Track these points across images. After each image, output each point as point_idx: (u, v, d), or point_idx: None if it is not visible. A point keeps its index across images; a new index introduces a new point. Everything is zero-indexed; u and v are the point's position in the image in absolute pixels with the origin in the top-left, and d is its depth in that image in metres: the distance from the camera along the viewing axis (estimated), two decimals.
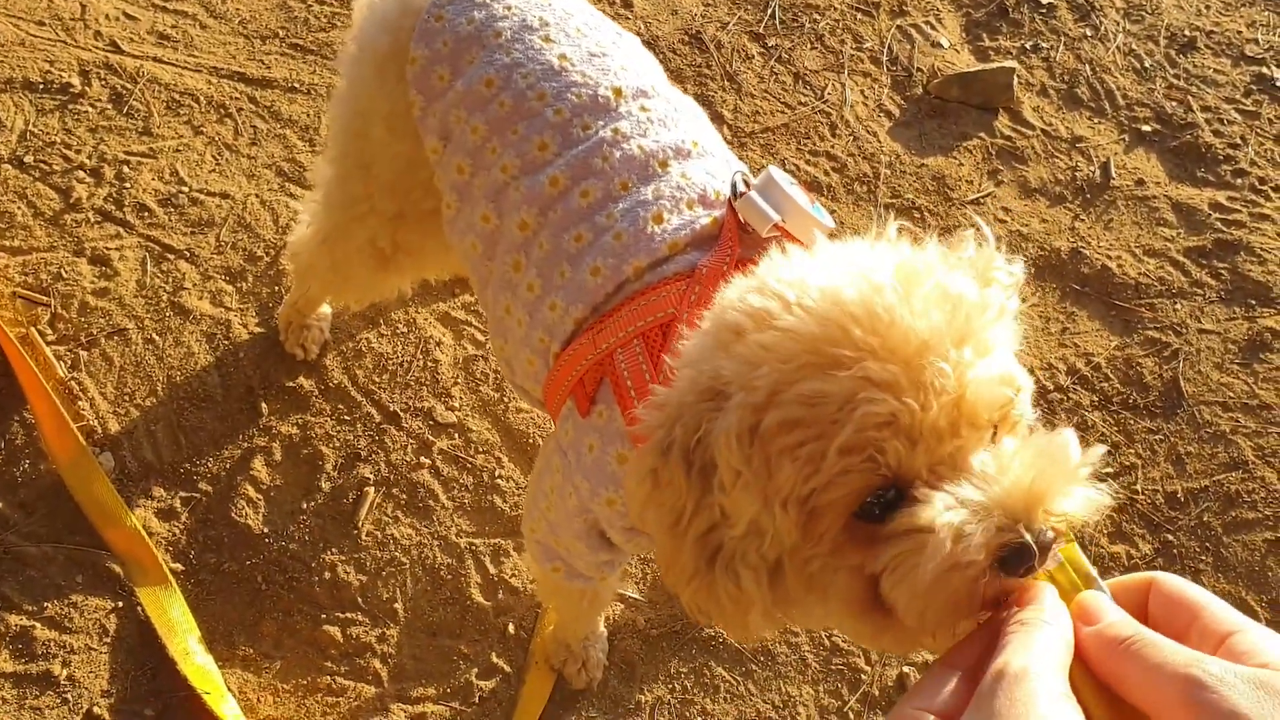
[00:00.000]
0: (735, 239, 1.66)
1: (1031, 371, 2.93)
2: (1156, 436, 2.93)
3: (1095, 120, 3.50)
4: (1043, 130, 3.45)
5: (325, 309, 2.81)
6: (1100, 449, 1.20)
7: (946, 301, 1.20)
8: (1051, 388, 2.96)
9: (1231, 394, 3.00)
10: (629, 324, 1.68)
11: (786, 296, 1.23)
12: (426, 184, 2.04)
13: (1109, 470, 2.85)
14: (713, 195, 1.76)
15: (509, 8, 1.91)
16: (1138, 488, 2.84)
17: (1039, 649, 0.90)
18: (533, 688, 2.49)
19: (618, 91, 1.85)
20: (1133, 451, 2.90)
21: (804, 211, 1.62)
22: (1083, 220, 3.28)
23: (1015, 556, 1.09)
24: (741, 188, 1.67)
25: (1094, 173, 3.38)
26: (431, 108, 1.93)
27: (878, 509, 1.18)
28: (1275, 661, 0.83)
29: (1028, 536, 1.08)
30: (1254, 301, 3.16)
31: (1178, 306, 3.14)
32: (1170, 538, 2.78)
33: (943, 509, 1.13)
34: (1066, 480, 1.15)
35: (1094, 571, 1.07)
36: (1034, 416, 1.33)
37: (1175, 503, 2.83)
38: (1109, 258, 3.20)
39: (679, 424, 1.27)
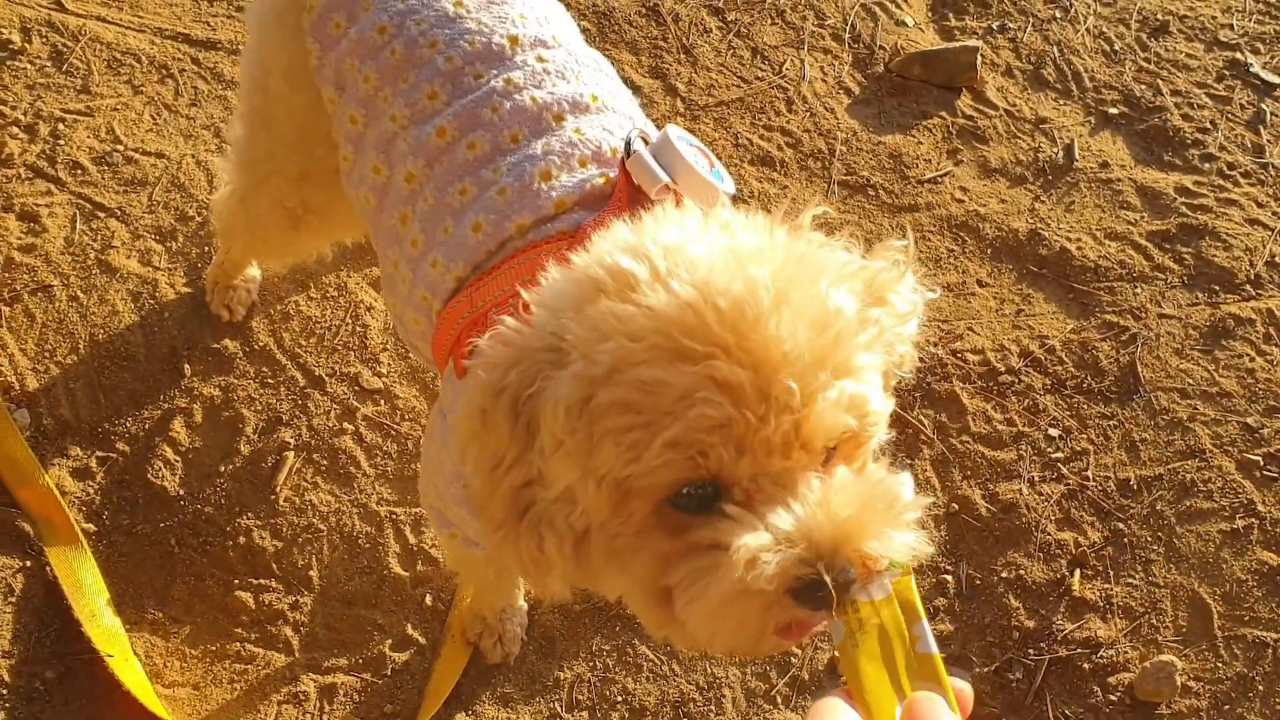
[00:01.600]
0: (625, 199, 1.57)
1: (981, 352, 2.87)
2: (1110, 422, 2.84)
3: (1061, 102, 3.42)
4: (1006, 111, 3.37)
5: (253, 271, 2.74)
6: (926, 499, 1.19)
7: (820, 317, 1.16)
8: (1003, 370, 2.88)
9: (1190, 380, 2.91)
10: (506, 282, 1.59)
11: (657, 265, 1.18)
12: (328, 139, 1.98)
13: (1059, 455, 2.77)
14: (608, 153, 1.68)
15: None
16: (1089, 474, 2.76)
17: None
18: (447, 660, 2.42)
19: (514, 40, 1.77)
20: (1085, 437, 2.81)
21: (696, 174, 1.53)
22: (1043, 202, 3.20)
23: (807, 590, 1.08)
24: (637, 145, 1.57)
25: (1057, 154, 3.30)
26: (327, 57, 1.86)
27: (692, 502, 1.16)
28: None
29: (825, 574, 1.07)
30: (1217, 287, 3.08)
31: (1138, 291, 3.05)
32: (1121, 526, 2.69)
33: (744, 531, 1.11)
34: (885, 522, 1.13)
35: (921, 610, 1.05)
36: (884, 440, 1.30)
37: (1128, 490, 2.75)
38: (1069, 240, 3.12)
39: (516, 370, 1.22)
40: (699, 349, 1.11)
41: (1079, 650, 2.53)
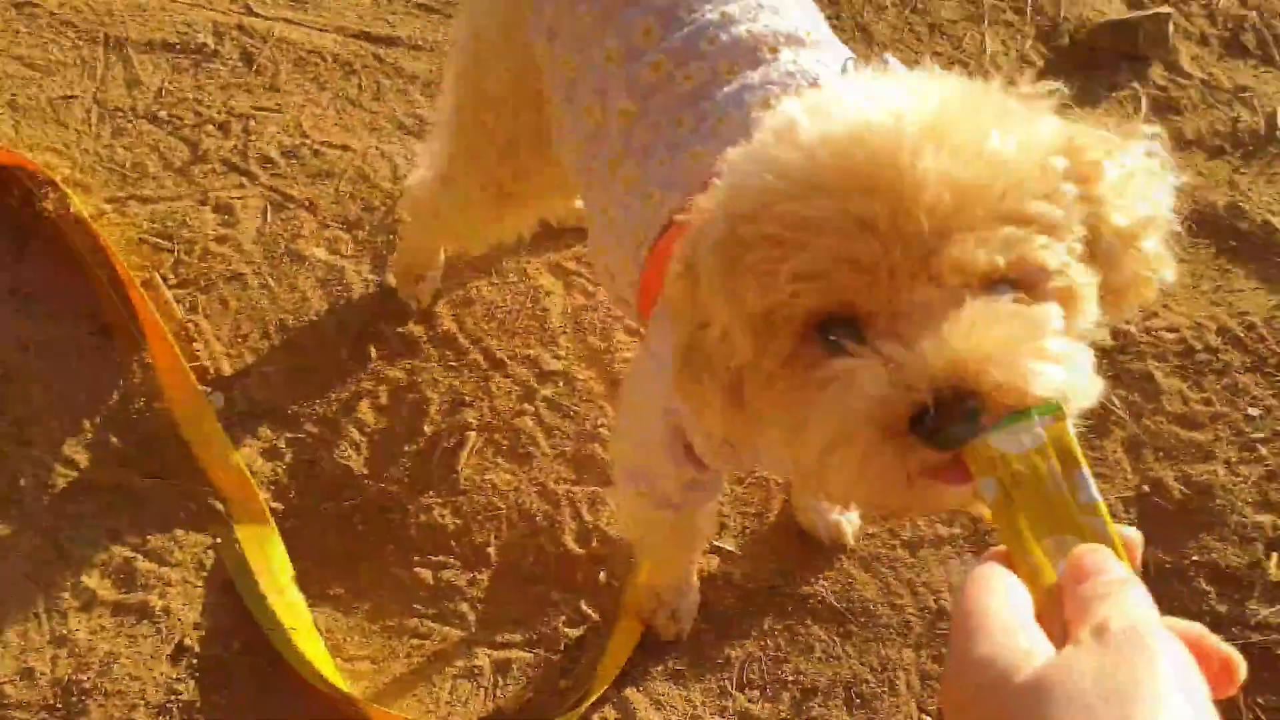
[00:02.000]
0: None
1: (1177, 329, 2.75)
2: None
3: (1261, 69, 3.26)
4: (1201, 80, 3.23)
5: (440, 258, 2.80)
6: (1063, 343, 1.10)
7: (972, 150, 1.10)
8: (1200, 348, 2.76)
9: None
10: None
11: (821, 108, 1.18)
12: (534, 100, 2.01)
13: (1259, 435, 2.64)
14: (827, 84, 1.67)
15: None
16: None
17: (1135, 605, 0.81)
18: (620, 638, 2.42)
19: None
20: None
21: None
22: (1243, 174, 3.06)
23: (920, 418, 1.01)
24: (854, 72, 1.56)
25: (1258, 124, 3.14)
26: (544, 7, 1.89)
27: (834, 343, 1.12)
28: None
29: (929, 398, 1.01)
30: None
31: None
32: None
33: (851, 360, 1.08)
34: (1017, 349, 1.05)
35: (1081, 456, 0.95)
36: (1091, 324, 1.21)
37: None
38: (1271, 213, 2.97)
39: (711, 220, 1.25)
40: (837, 182, 1.10)
41: (1275, 636, 2.41)
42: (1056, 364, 1.06)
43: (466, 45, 2.12)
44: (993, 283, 1.11)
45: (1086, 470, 0.94)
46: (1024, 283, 1.13)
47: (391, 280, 2.82)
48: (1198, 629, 0.84)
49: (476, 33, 2.07)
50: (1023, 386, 1.02)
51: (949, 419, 1.01)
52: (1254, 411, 2.69)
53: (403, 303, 2.81)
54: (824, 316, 1.13)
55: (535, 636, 2.45)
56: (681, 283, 1.30)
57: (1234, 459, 2.61)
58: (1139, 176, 1.28)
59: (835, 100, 1.20)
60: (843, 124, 1.14)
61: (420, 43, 3.22)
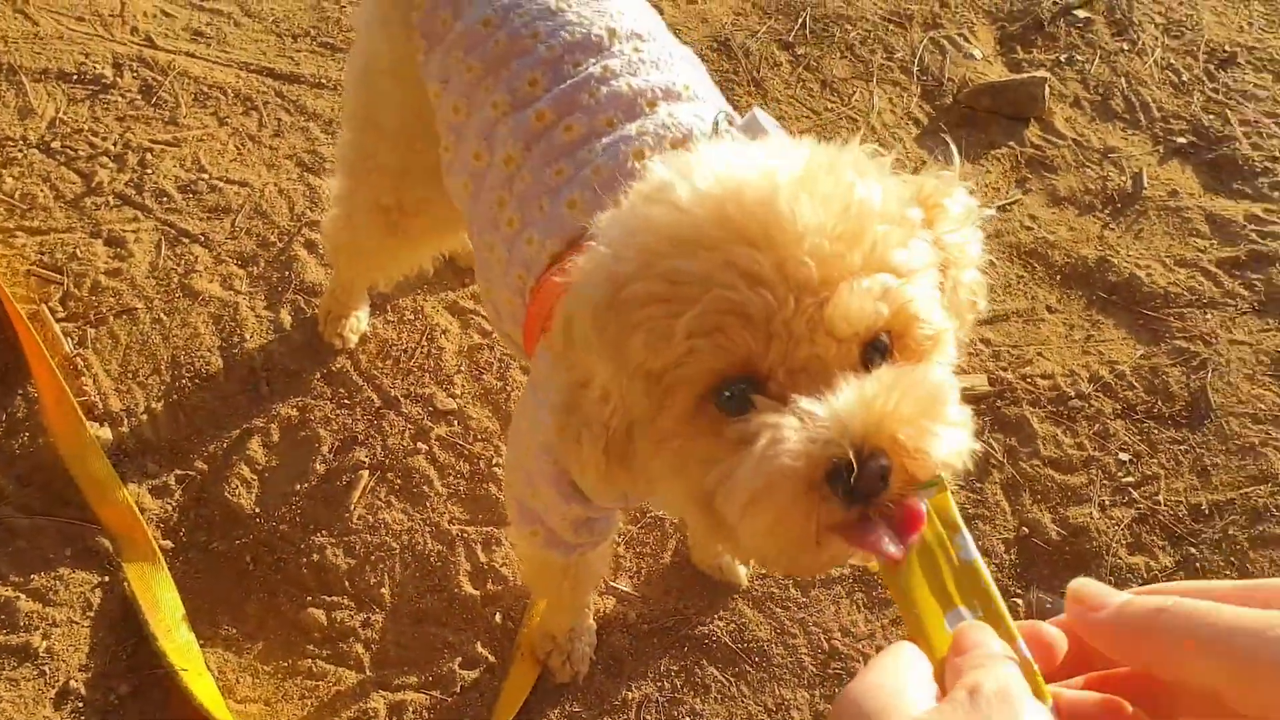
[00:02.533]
0: None
1: (1051, 377, 2.86)
2: (1181, 447, 2.82)
3: (1129, 132, 3.42)
4: (1074, 140, 3.38)
5: (364, 298, 2.83)
6: (981, 380, 1.15)
7: (841, 202, 1.14)
8: (1072, 395, 2.87)
9: (1262, 406, 2.89)
10: None
11: (689, 170, 1.20)
12: (427, 134, 2.04)
13: (1130, 479, 2.76)
14: (699, 137, 1.73)
15: None
16: (1160, 498, 2.74)
17: (1008, 674, 0.80)
18: (516, 679, 2.43)
19: (612, 32, 1.83)
20: (1156, 461, 2.80)
21: None
22: (1112, 229, 3.20)
23: (838, 475, 1.03)
24: (724, 126, 1.62)
25: (1126, 183, 3.30)
26: (434, 51, 1.93)
27: (734, 402, 1.14)
28: None
29: (850, 453, 1.02)
30: None
31: (1208, 317, 3.04)
32: (1193, 550, 2.67)
33: (769, 415, 1.09)
34: (924, 415, 1.08)
35: (960, 522, 0.99)
36: (955, 359, 1.27)
37: (1199, 515, 2.72)
38: (1138, 267, 3.11)
39: (588, 282, 1.26)
40: (720, 236, 1.12)
41: None
42: (960, 430, 1.11)
43: (360, 79, 2.17)
44: (876, 333, 1.15)
45: (967, 533, 0.99)
46: (899, 332, 1.18)
47: (286, 318, 2.81)
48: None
49: (370, 66, 2.12)
50: (932, 453, 1.07)
51: (863, 478, 1.03)
52: (1125, 456, 2.80)
53: (319, 339, 2.82)
54: (721, 377, 1.14)
55: (430, 678, 2.44)
56: (559, 342, 1.32)
57: (1107, 502, 2.72)
58: (969, 215, 1.34)
59: (703, 160, 1.23)
60: (716, 181, 1.17)
61: (323, 80, 3.23)
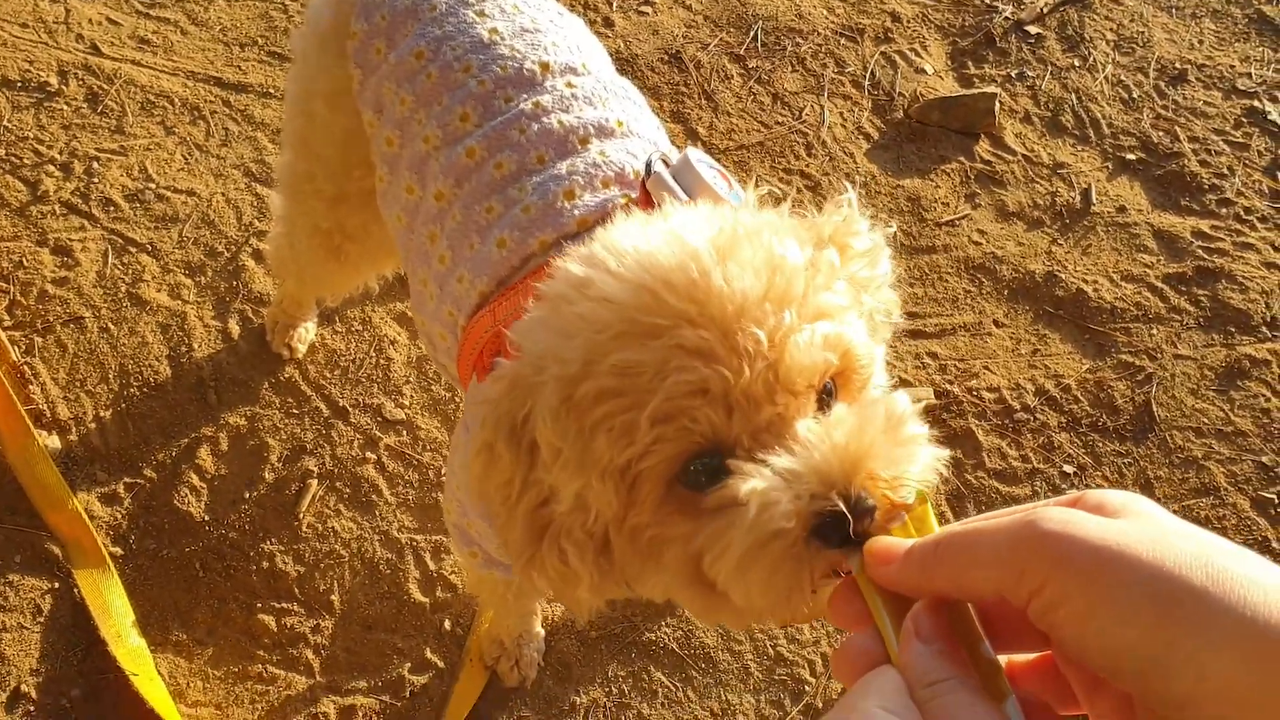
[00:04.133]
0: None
1: (997, 390, 2.89)
2: (1125, 460, 2.86)
3: (1078, 147, 3.47)
4: (1024, 156, 3.42)
5: (312, 308, 2.82)
6: (927, 393, 1.18)
7: (766, 265, 1.17)
8: (1018, 408, 2.90)
9: (1205, 420, 2.93)
10: (527, 297, 1.64)
11: (607, 263, 1.20)
12: (365, 161, 2.04)
13: (1074, 491, 2.78)
14: (631, 175, 1.73)
15: None
16: None
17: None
18: (465, 684, 2.44)
19: (545, 66, 1.83)
20: (1100, 473, 2.83)
21: (715, 193, 1.57)
22: (1060, 245, 3.24)
23: (830, 526, 1.04)
24: (658, 166, 1.61)
25: (1074, 198, 3.34)
26: (368, 81, 1.93)
27: (703, 476, 1.15)
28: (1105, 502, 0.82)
29: (840, 503, 1.04)
30: (1233, 329, 3.10)
31: (1154, 332, 3.08)
32: None
33: (752, 479, 1.09)
34: (890, 443, 1.09)
35: (937, 528, 1.00)
36: (886, 382, 1.32)
37: None
38: (1085, 282, 3.15)
39: (508, 398, 1.25)
40: (661, 323, 1.13)
41: None
42: (926, 446, 1.12)
43: (298, 104, 2.15)
44: (826, 379, 1.18)
45: None
46: (842, 370, 1.20)
47: (234, 328, 2.80)
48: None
49: (307, 92, 2.10)
50: (907, 475, 1.08)
51: (855, 521, 1.04)
52: (1069, 468, 2.84)
53: (266, 349, 2.81)
54: (690, 457, 1.15)
55: (380, 683, 2.44)
56: (482, 463, 1.29)
57: None
58: (875, 251, 1.37)
59: (614, 248, 1.23)
60: (639, 268, 1.17)
61: (271, 90, 3.23)
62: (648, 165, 1.63)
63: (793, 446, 1.10)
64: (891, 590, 0.93)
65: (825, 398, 1.19)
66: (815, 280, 1.19)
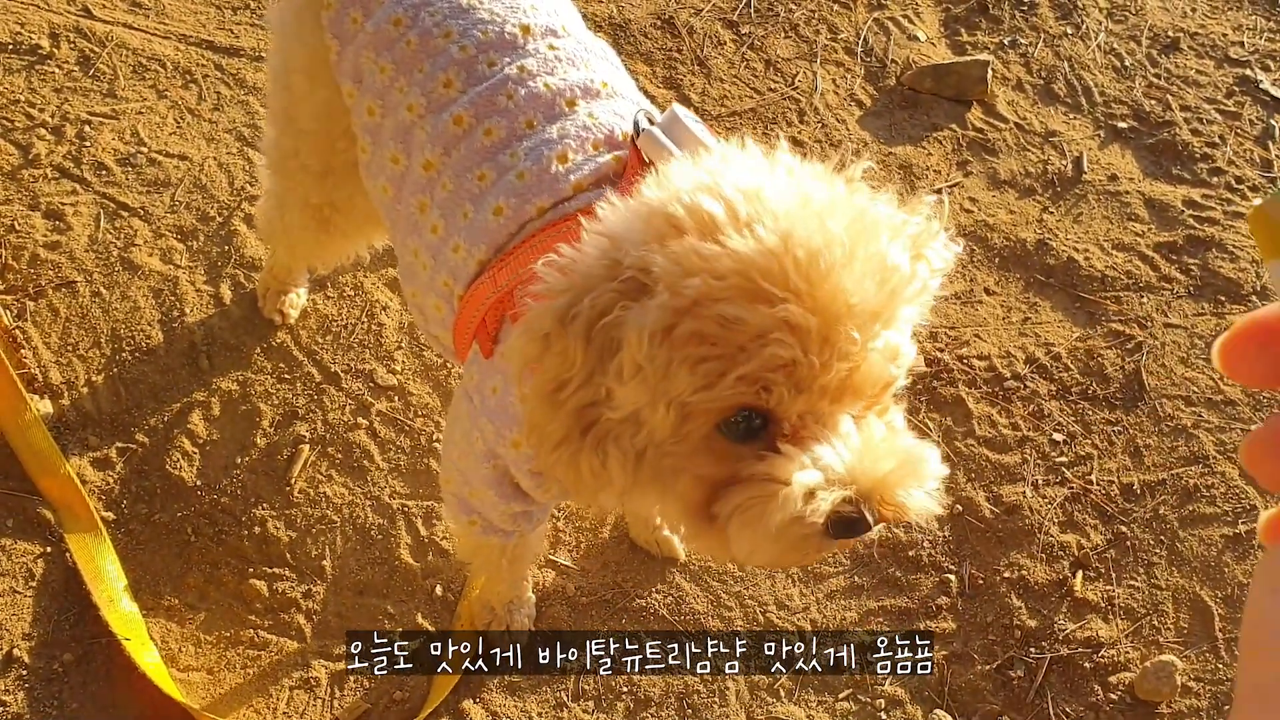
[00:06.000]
0: (639, 177, 1.63)
1: (987, 358, 2.90)
2: (1115, 428, 2.87)
3: (1071, 116, 3.46)
4: (1016, 124, 3.42)
5: (303, 274, 2.81)
6: (944, 470, 1.34)
7: (882, 272, 1.26)
8: (1008, 376, 2.91)
9: (1195, 389, 2.94)
10: (530, 260, 1.63)
11: (738, 210, 1.26)
12: (348, 133, 2.03)
13: (1064, 459, 2.80)
14: (619, 136, 1.74)
15: None
16: (1093, 478, 2.78)
17: None
18: (456, 649, 2.46)
19: (525, 29, 1.82)
20: (1089, 442, 2.84)
21: (706, 145, 1.59)
22: (1051, 213, 3.24)
23: (847, 527, 1.25)
24: (645, 125, 1.63)
25: (1066, 167, 3.34)
26: (345, 51, 1.91)
27: (740, 427, 1.28)
28: None
29: (867, 515, 1.24)
30: (1223, 298, 3.11)
31: (1144, 300, 3.08)
32: (1124, 529, 2.72)
33: (802, 469, 1.25)
34: (915, 480, 1.29)
35: None
36: (903, 386, 1.41)
37: (1131, 494, 2.78)
38: (1076, 250, 3.16)
39: (590, 298, 1.28)
40: (776, 293, 1.20)
41: (1080, 649, 2.56)
42: (936, 495, 1.32)
43: (278, 78, 2.14)
44: (887, 390, 1.35)
45: None
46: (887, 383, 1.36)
47: (226, 293, 2.80)
48: None
49: (286, 66, 2.09)
50: (913, 512, 1.29)
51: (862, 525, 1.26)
52: (1059, 436, 2.85)
53: (259, 315, 2.81)
54: (742, 411, 1.28)
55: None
56: (535, 350, 1.33)
57: (1040, 481, 2.76)
58: (947, 257, 1.44)
59: (754, 204, 1.27)
60: (775, 233, 1.23)
61: (263, 54, 3.21)
62: (635, 125, 1.64)
63: (835, 443, 1.27)
64: None
65: None
66: (908, 292, 1.30)
